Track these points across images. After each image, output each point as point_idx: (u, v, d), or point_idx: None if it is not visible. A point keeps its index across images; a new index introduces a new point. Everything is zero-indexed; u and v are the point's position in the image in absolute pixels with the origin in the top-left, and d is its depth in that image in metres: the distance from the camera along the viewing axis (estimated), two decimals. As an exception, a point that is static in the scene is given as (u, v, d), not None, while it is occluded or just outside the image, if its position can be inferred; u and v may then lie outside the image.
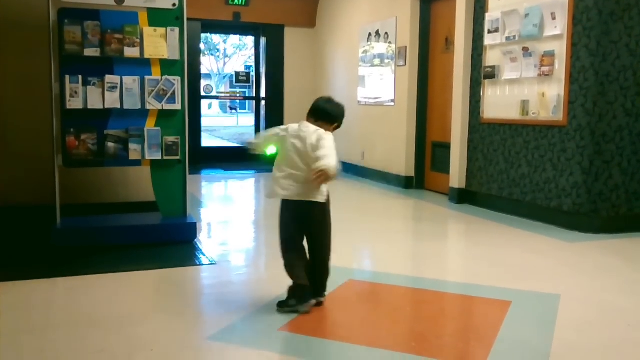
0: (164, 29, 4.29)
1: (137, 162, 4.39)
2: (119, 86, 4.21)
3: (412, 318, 3.04)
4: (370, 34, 8.23)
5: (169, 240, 4.32)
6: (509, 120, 5.61)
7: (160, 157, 4.36)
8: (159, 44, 4.28)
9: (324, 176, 2.75)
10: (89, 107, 4.18)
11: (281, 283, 3.06)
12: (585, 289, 3.46)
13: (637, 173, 4.91)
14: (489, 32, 5.81)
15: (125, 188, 5.32)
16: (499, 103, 5.76)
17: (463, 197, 6.28)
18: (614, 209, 4.87)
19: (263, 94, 10.47)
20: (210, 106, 32.73)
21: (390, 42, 7.68)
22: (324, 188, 2.95)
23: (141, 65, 4.28)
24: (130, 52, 4.22)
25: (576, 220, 4.91)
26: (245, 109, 28.52)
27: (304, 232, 3.02)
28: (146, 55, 4.26)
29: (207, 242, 4.50)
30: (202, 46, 11.91)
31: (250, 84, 11.15)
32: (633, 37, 4.77)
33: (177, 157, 4.40)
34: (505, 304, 3.13)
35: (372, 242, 4.75)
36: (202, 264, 3.89)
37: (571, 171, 4.93)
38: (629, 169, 4.88)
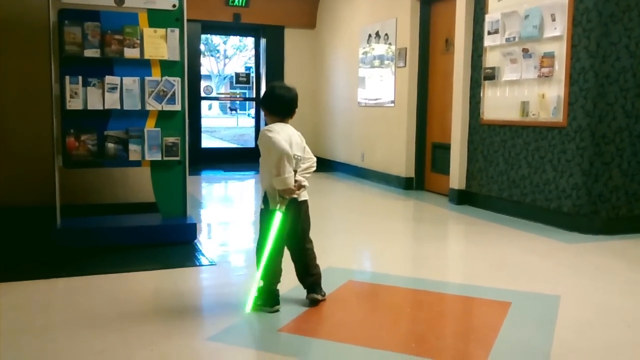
0: (164, 30, 4.29)
1: (137, 163, 4.39)
2: (119, 87, 4.21)
3: (412, 319, 3.04)
4: (370, 35, 8.23)
5: (168, 241, 4.32)
6: (509, 122, 5.61)
7: (160, 158, 4.36)
8: (159, 44, 4.28)
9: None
10: (89, 107, 4.18)
11: (281, 284, 3.06)
12: (585, 290, 3.46)
13: (637, 174, 4.91)
14: (489, 33, 5.81)
15: (125, 189, 5.32)
16: (499, 104, 5.77)
17: (463, 198, 6.28)
18: (613, 210, 4.87)
19: (263, 95, 10.45)
20: (210, 107, 32.74)
21: (390, 43, 7.69)
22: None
23: (141, 66, 4.28)
24: (130, 53, 4.22)
25: (576, 221, 4.91)
26: (245, 110, 28.52)
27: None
28: (146, 56, 4.26)
29: (207, 243, 4.50)
30: (202, 47, 11.91)
31: (251, 85, 11.16)
32: (632, 39, 4.77)
33: (177, 158, 4.40)
34: (505, 305, 3.13)
35: (372, 243, 4.75)
36: (202, 265, 3.89)
37: (571, 172, 4.93)
38: (628, 170, 4.88)
